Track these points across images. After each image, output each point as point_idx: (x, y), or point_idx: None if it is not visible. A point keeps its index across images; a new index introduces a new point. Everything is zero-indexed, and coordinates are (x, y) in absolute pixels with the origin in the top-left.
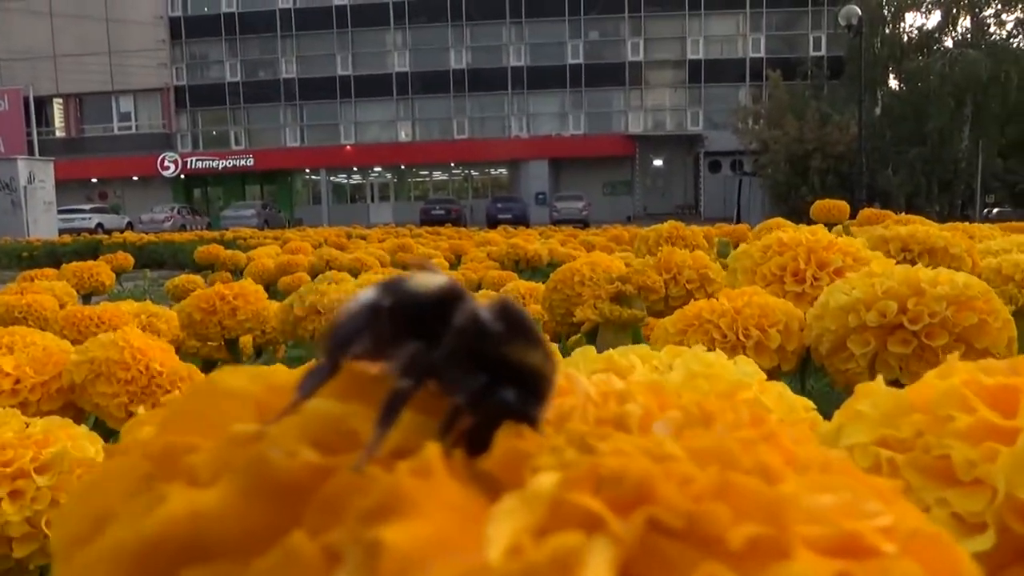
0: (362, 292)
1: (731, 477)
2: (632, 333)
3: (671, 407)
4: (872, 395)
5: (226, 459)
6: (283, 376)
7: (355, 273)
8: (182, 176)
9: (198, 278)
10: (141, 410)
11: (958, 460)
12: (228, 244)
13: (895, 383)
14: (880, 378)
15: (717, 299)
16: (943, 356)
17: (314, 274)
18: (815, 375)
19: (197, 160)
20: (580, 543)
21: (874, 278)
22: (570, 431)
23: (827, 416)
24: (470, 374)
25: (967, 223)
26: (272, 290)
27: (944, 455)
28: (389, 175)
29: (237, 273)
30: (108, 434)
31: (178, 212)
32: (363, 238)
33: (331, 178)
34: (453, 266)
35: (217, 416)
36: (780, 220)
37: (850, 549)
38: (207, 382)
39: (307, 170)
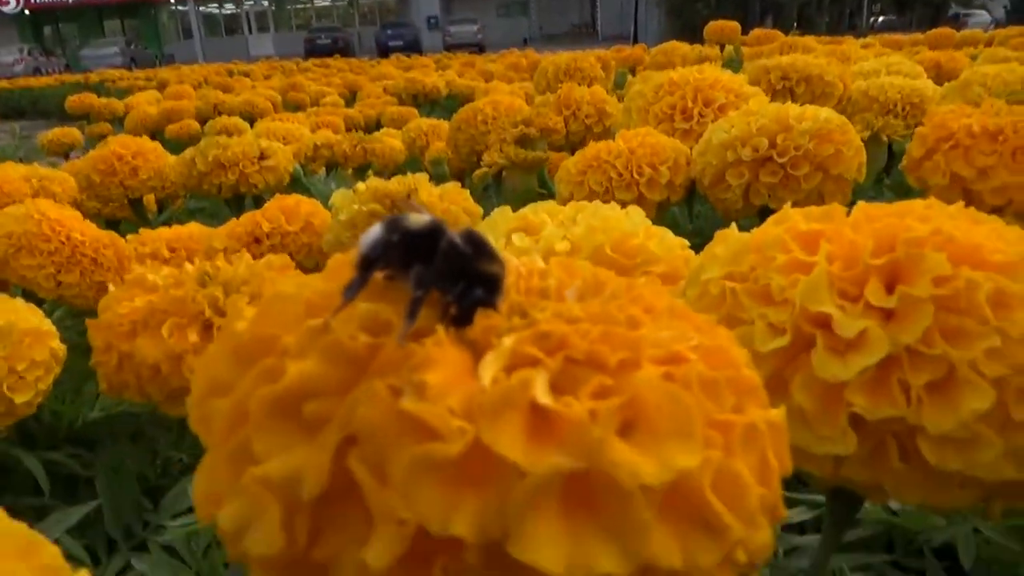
0: (372, 230)
1: (610, 329)
2: (537, 173)
3: (577, 277)
4: (726, 240)
5: (308, 342)
6: (322, 284)
7: (248, 119)
8: (26, 12)
9: (75, 131)
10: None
11: (774, 287)
12: (96, 88)
13: (765, 208)
14: (734, 225)
15: (613, 139)
16: (804, 183)
17: (202, 120)
18: (700, 201)
19: None
20: (531, 374)
21: (749, 116)
22: (512, 301)
23: (709, 236)
24: (454, 282)
25: (852, 35)
26: (159, 140)
27: (766, 284)
28: (266, 3)
29: (116, 123)
30: (38, 304)
31: (29, 54)
32: (247, 75)
33: (201, 8)
34: (349, 103)
35: (285, 315)
36: (676, 44)
37: (673, 360)
38: (276, 293)
39: (172, 0)
